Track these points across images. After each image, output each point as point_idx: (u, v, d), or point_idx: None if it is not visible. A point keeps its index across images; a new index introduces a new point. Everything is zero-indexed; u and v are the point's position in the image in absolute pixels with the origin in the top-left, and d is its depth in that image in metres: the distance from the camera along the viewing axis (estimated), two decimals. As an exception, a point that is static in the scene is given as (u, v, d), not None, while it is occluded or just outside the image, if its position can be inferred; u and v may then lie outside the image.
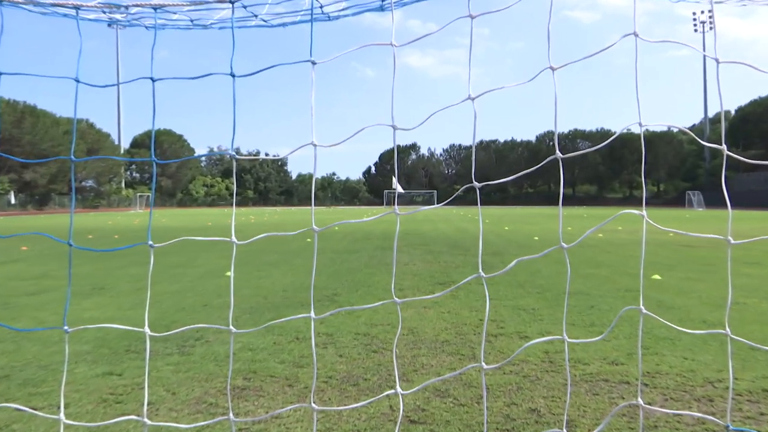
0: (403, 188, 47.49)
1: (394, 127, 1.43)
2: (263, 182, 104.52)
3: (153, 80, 1.32)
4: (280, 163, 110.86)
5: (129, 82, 1.41)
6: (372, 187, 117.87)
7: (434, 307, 6.57)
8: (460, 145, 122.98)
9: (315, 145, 1.43)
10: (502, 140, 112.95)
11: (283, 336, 5.36)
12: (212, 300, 7.34)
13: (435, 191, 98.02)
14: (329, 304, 6.85)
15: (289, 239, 18.59)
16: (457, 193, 1.40)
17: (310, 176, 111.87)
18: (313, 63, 1.31)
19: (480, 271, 1.33)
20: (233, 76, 1.29)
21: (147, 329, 1.45)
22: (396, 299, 1.34)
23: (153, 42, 1.38)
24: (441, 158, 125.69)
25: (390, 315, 6.21)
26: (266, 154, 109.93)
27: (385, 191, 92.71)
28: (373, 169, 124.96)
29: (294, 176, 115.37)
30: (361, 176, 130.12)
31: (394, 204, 51.71)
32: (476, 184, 1.31)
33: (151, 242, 1.50)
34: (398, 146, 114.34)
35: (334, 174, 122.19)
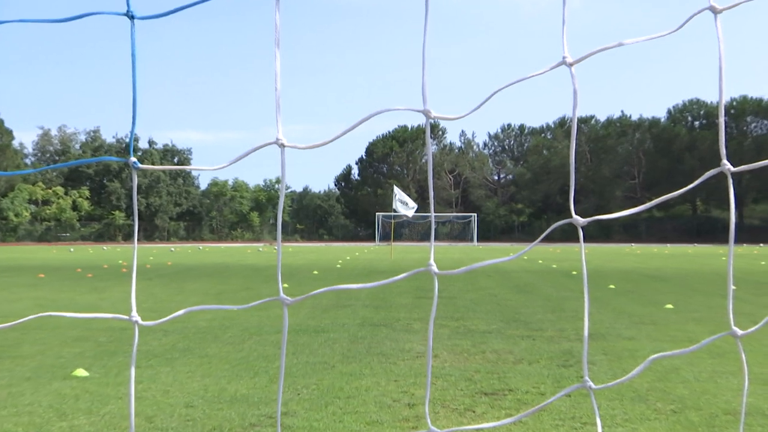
0: (413, 208, 47.69)
1: (427, 115, 1.49)
2: (145, 196, 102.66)
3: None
4: (176, 159, 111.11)
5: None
6: (354, 207, 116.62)
7: (477, 440, 6.57)
8: (521, 127, 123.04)
9: (283, 146, 1.48)
10: (602, 118, 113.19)
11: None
12: (50, 424, 7.33)
13: (475, 215, 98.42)
14: (276, 433, 6.88)
15: (190, 305, 18.63)
16: (551, 229, 1.44)
17: (237, 186, 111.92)
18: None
19: (585, 377, 1.36)
20: (132, 18, 1.33)
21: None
22: (434, 431, 1.37)
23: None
24: (485, 152, 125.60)
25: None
26: (151, 142, 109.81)
27: (381, 216, 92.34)
28: (354, 172, 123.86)
29: (203, 185, 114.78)
30: (332, 186, 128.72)
31: (392, 239, 51.84)
32: (579, 219, 1.35)
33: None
34: (404, 128, 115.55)
35: (278, 182, 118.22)
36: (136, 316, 1.48)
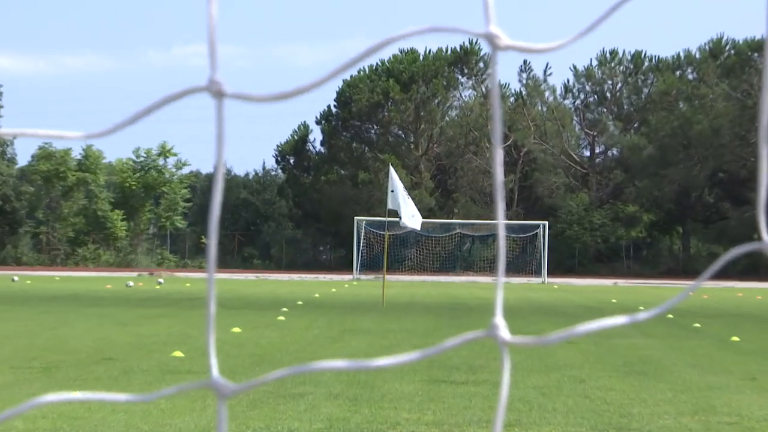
0: (416, 211, 46.73)
1: (494, 43, 1.53)
2: None
3: None
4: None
5: None
6: (312, 205, 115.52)
7: None
8: (636, 57, 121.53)
9: (221, 95, 1.51)
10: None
11: None
12: None
13: (545, 224, 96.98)
14: None
15: None
16: (729, 257, 1.48)
17: (89, 160, 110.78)
18: None
19: None
20: None
21: None
22: None
23: None
24: (566, 103, 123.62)
25: None
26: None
27: (363, 223, 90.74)
28: (314, 138, 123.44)
29: (22, 159, 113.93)
30: (270, 163, 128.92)
31: (384, 269, 51.61)
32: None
33: None
34: (412, 54, 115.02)
35: (166, 154, 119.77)
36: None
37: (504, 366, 1.52)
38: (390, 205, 45.05)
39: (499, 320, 1.53)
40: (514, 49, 1.57)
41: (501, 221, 1.65)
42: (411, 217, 45.31)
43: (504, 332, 1.53)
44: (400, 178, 50.20)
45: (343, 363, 1.74)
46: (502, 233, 1.66)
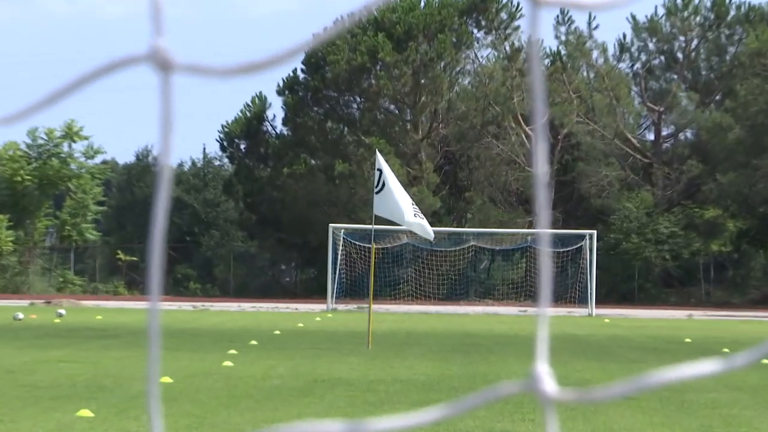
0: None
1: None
2: None
3: None
4: None
5: None
6: (269, 208, 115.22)
7: None
8: (718, 5, 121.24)
9: (168, 67, 1.54)
10: None
11: None
12: None
13: (592, 234, 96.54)
14: None
15: None
16: None
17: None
18: None
19: None
20: None
21: None
22: None
23: None
24: (621, 67, 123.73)
25: None
26: None
27: (342, 233, 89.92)
28: (275, 114, 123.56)
29: None
30: (213, 150, 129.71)
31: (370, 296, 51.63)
32: None
33: None
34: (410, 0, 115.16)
35: (73, 140, 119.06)
36: None
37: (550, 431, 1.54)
38: (376, 210, 44.74)
39: (543, 369, 1.55)
40: (561, 5, 1.59)
41: (545, 230, 1.67)
42: (414, 219, 44.82)
43: (549, 385, 1.55)
44: (393, 171, 49.81)
45: (328, 425, 1.76)
46: (546, 249, 1.69)
